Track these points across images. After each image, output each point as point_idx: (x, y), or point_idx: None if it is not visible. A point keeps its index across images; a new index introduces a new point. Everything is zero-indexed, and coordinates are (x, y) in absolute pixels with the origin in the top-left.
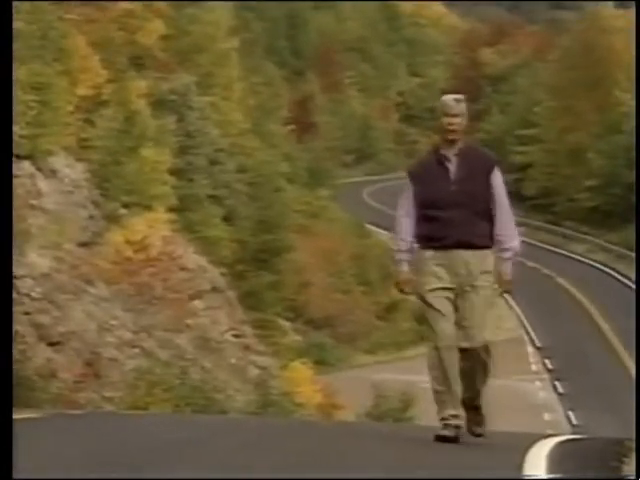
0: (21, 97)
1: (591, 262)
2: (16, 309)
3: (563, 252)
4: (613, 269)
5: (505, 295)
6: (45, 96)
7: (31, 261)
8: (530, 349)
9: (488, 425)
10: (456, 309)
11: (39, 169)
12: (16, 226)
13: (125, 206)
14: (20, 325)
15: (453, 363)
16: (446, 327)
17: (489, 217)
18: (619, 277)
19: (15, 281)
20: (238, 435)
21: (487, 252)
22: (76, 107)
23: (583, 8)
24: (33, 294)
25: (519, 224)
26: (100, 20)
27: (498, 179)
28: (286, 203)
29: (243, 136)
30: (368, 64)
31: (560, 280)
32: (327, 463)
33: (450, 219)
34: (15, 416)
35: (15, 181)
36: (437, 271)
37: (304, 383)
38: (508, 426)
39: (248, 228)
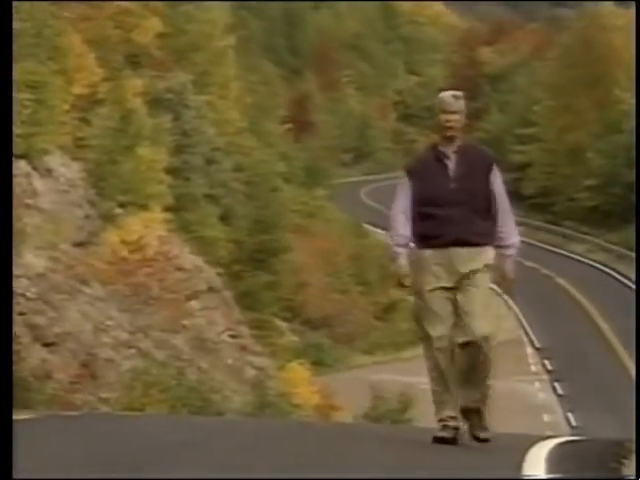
0: (16, 96)
1: (591, 262)
2: None
3: (562, 252)
4: (613, 269)
5: (506, 295)
6: (40, 95)
7: (26, 261)
8: (529, 350)
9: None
10: (456, 307)
11: (35, 168)
12: None
13: (121, 205)
14: (15, 326)
15: (450, 364)
16: (442, 329)
17: (488, 215)
18: (619, 277)
19: None
20: (235, 436)
21: (486, 248)
22: (71, 106)
23: (583, 6)
24: (28, 294)
25: (518, 224)
26: (95, 18)
27: (497, 177)
28: (283, 203)
29: (240, 135)
30: (366, 63)
31: (559, 280)
32: (326, 463)
33: (449, 217)
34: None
35: None
36: (436, 270)
37: (301, 384)
38: (507, 428)
39: (245, 228)
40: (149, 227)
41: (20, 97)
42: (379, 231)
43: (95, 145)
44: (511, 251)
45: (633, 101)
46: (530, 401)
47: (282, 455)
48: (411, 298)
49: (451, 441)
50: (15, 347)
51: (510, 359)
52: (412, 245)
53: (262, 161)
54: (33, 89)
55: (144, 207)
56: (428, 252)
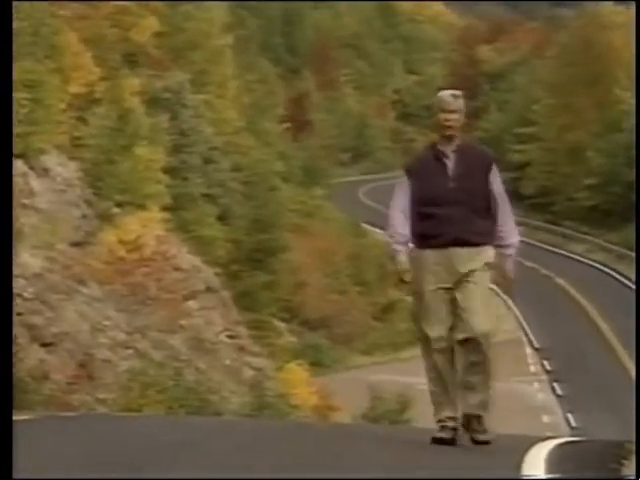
0: (13, 95)
1: (590, 262)
2: None
3: (562, 252)
4: (613, 269)
5: (505, 295)
6: (37, 94)
7: (23, 261)
8: (529, 350)
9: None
10: (455, 307)
11: (31, 168)
12: None
13: (118, 205)
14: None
15: (448, 365)
16: (441, 330)
17: (487, 214)
18: (619, 277)
19: None
20: (233, 437)
21: (486, 248)
22: (68, 105)
23: (583, 6)
24: (25, 294)
25: (518, 224)
26: (92, 17)
27: (496, 176)
28: (281, 202)
29: (238, 134)
30: (364, 61)
31: (559, 280)
32: (325, 463)
33: (448, 216)
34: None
35: None
36: (435, 270)
37: (300, 385)
38: (506, 428)
39: (243, 227)
40: (147, 227)
41: (17, 96)
42: (378, 231)
43: (92, 144)
44: (511, 251)
45: (633, 100)
46: (529, 402)
47: (282, 455)
48: (409, 298)
49: (450, 442)
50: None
51: (509, 359)
52: (411, 245)
53: (260, 160)
54: (30, 88)
55: (142, 207)
56: (427, 252)
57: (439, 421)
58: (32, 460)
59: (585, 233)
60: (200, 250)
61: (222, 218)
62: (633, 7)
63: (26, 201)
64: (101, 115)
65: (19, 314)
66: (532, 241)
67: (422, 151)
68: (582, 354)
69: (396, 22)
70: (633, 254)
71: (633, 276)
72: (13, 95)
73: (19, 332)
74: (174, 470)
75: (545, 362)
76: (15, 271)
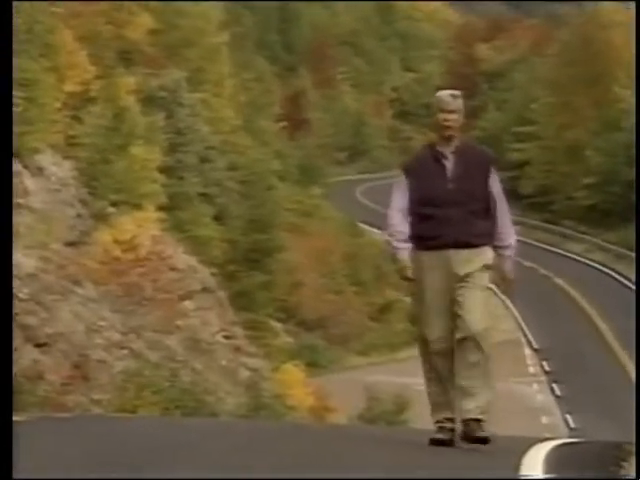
0: None
1: (589, 262)
2: None
3: (561, 252)
4: (612, 269)
5: (504, 295)
6: (31, 92)
7: (17, 261)
8: (527, 351)
9: (485, 428)
10: (453, 308)
11: (25, 167)
12: None
13: (113, 205)
14: None
15: (447, 367)
16: (440, 331)
17: (486, 215)
18: (618, 277)
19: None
20: (231, 438)
21: (485, 249)
22: (63, 104)
23: (582, 6)
24: (20, 295)
25: (515, 223)
26: (87, 14)
27: (496, 177)
28: (278, 202)
29: (234, 133)
30: (361, 59)
31: (558, 280)
32: (325, 463)
33: (447, 218)
34: None
35: None
36: (434, 272)
37: (296, 385)
38: (505, 429)
39: (239, 227)
40: (142, 226)
41: None
42: (375, 230)
43: (87, 143)
44: (509, 252)
45: (633, 99)
46: (528, 403)
47: (282, 455)
48: (406, 299)
49: (448, 443)
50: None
51: (508, 360)
52: (410, 245)
53: (256, 159)
54: (24, 87)
55: (137, 206)
56: (425, 254)
57: (437, 422)
58: (32, 460)
59: (584, 232)
60: (196, 250)
61: (218, 218)
62: (633, 6)
63: (20, 200)
64: (96, 114)
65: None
66: (531, 240)
67: (420, 150)
68: (581, 354)
69: (393, 19)
70: (631, 254)
71: (632, 276)
72: (14, 94)
73: (14, 333)
74: (174, 470)
75: (544, 363)
76: None
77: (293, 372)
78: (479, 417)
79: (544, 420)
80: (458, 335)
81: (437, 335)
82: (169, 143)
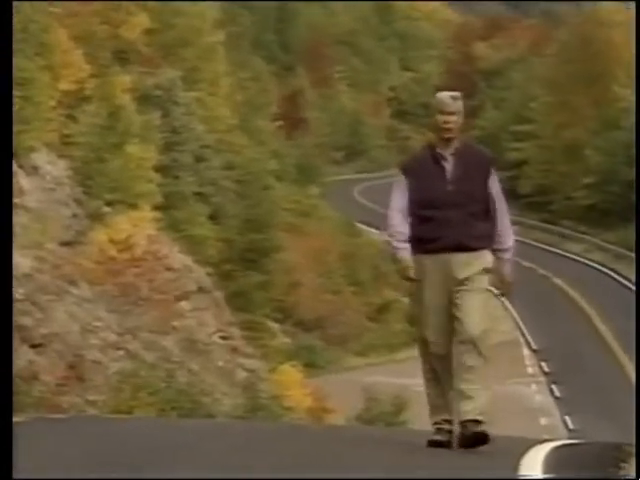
0: None
1: (588, 262)
2: None
3: (560, 252)
4: (611, 269)
5: (503, 297)
6: (26, 91)
7: (12, 261)
8: (526, 352)
9: (484, 428)
10: (453, 310)
11: (20, 166)
12: None
13: (109, 204)
14: None
15: (447, 368)
16: (439, 334)
17: (485, 217)
18: (617, 277)
19: None
20: (229, 438)
21: (484, 252)
22: (58, 102)
23: (581, 6)
24: (15, 295)
25: (514, 223)
26: (82, 13)
27: (495, 179)
28: (275, 201)
29: (230, 132)
30: (359, 58)
31: (557, 280)
32: (326, 463)
33: (446, 220)
34: None
35: None
36: (433, 275)
37: (293, 386)
38: (503, 431)
39: (235, 227)
40: (138, 226)
41: None
42: (373, 230)
43: (82, 142)
44: (509, 255)
45: (633, 98)
46: (527, 404)
47: (281, 455)
48: (405, 299)
49: (446, 444)
50: None
51: (506, 361)
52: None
53: (253, 159)
54: (19, 85)
55: (133, 206)
56: (425, 257)
57: (435, 423)
58: (32, 460)
59: (583, 232)
60: (192, 250)
61: (214, 217)
62: (633, 6)
63: (15, 200)
64: (91, 113)
65: None
66: (529, 240)
67: (419, 151)
68: (580, 355)
69: (392, 20)
70: (630, 254)
71: (631, 276)
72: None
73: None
74: (174, 470)
75: (543, 363)
76: None
77: (291, 373)
78: (477, 418)
79: (543, 421)
80: (457, 339)
81: (436, 337)
82: (165, 142)
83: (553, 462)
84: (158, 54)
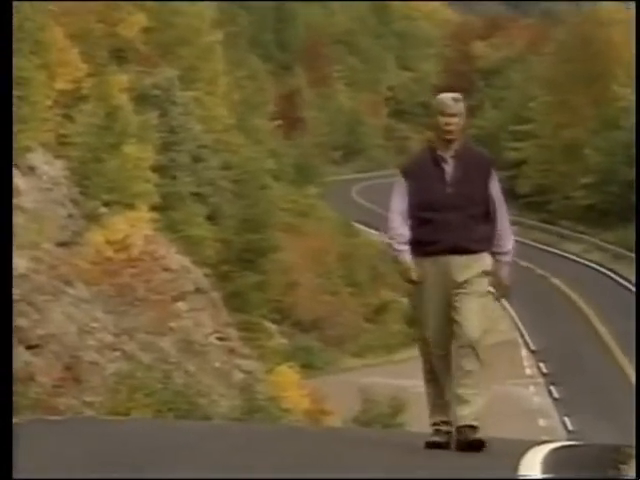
0: None
1: (587, 262)
2: None
3: (558, 252)
4: (610, 269)
5: (500, 299)
6: (22, 90)
7: None
8: (524, 352)
9: (481, 432)
10: (452, 313)
11: (16, 166)
12: None
13: (106, 204)
14: None
15: (446, 370)
16: (439, 336)
17: (485, 220)
18: (616, 278)
19: None
20: (228, 439)
21: (484, 255)
22: (55, 102)
23: (580, 6)
24: None
25: (512, 223)
26: (79, 12)
27: (495, 181)
28: (272, 201)
29: (228, 132)
30: (357, 57)
31: (555, 280)
32: (326, 464)
33: (446, 222)
34: None
35: None
36: (432, 278)
37: (291, 388)
38: (502, 432)
39: (233, 227)
40: (135, 226)
41: None
42: (371, 231)
43: (79, 142)
44: (507, 258)
45: (632, 97)
46: (525, 405)
47: (282, 455)
48: (403, 300)
49: (444, 445)
50: None
51: (505, 362)
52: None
53: (250, 158)
54: (15, 84)
55: (130, 206)
56: (424, 259)
57: (433, 424)
58: (32, 460)
59: (581, 232)
60: (189, 250)
61: (211, 217)
62: (633, 6)
63: None
64: (88, 112)
65: None
66: (528, 240)
67: (419, 152)
68: (578, 356)
69: (390, 18)
70: (630, 254)
71: (630, 276)
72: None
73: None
74: (175, 470)
75: (541, 364)
76: None
77: (288, 374)
78: (473, 424)
79: (541, 423)
80: (456, 342)
81: (436, 339)
82: (162, 142)
83: (552, 464)
84: (156, 53)
